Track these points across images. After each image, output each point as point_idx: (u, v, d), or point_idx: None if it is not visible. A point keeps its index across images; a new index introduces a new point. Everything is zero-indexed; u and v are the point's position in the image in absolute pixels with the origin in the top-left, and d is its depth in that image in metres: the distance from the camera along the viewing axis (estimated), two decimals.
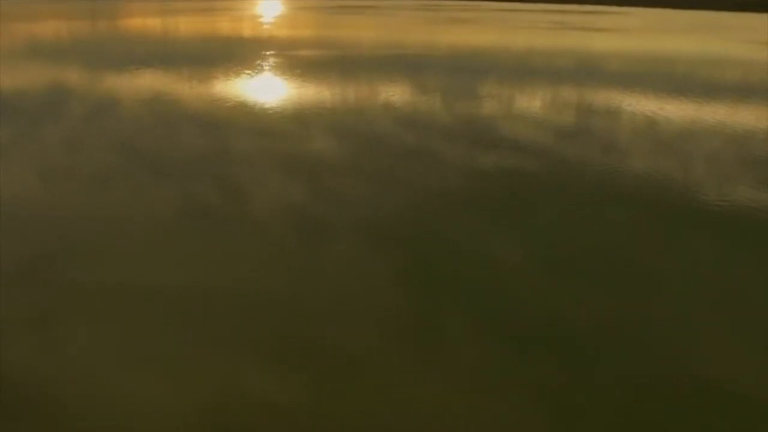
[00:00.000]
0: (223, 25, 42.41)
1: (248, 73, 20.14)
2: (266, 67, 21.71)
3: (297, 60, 24.02)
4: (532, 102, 16.70)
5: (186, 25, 42.37)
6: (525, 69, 23.65)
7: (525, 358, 5.08)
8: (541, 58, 27.44)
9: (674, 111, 15.79)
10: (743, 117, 15.43)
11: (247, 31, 39.62)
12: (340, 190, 9.03)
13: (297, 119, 13.73)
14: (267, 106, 15.31)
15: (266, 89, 17.85)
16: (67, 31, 37.27)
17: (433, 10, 70.70)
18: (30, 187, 8.91)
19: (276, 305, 5.77)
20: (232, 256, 6.78)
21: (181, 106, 14.87)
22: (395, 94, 17.00)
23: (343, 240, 7.28)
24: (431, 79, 20.00)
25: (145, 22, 45.32)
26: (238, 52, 25.83)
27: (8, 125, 12.56)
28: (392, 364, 4.94)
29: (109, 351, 5.02)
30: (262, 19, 52.26)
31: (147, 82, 18.07)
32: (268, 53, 25.69)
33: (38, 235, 7.22)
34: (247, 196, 8.67)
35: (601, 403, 4.58)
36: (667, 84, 20.24)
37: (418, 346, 5.19)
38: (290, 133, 12.39)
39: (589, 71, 23.55)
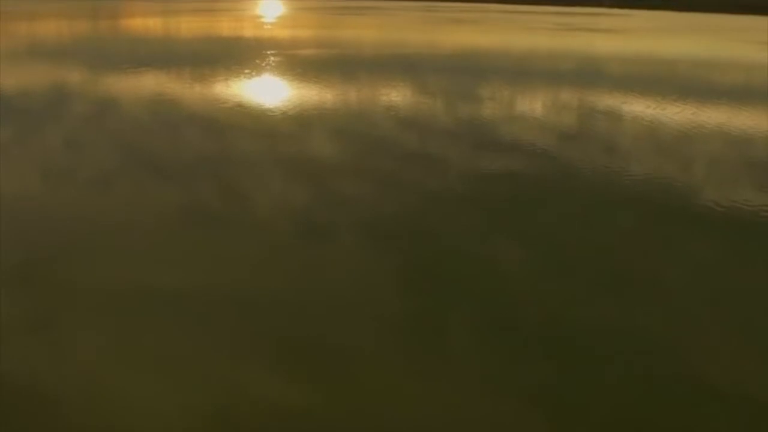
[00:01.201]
0: (225, 25, 42.44)
1: (250, 73, 20.12)
2: (268, 67, 21.70)
3: (298, 59, 24.00)
4: (534, 104, 16.66)
5: (188, 25, 42.38)
6: (528, 70, 23.63)
7: (526, 358, 5.06)
8: (544, 59, 27.41)
9: (678, 112, 15.72)
10: (749, 119, 15.37)
11: (248, 31, 39.64)
12: (342, 190, 8.98)
13: (299, 119, 13.71)
14: (269, 106, 15.29)
15: (268, 89, 17.85)
16: (69, 31, 37.30)
17: (436, 11, 70.74)
18: (29, 186, 8.87)
19: (279, 306, 5.74)
20: (235, 257, 6.75)
21: (182, 106, 14.84)
22: (398, 95, 16.96)
23: (345, 241, 7.25)
24: (434, 79, 19.97)
25: (147, 22, 45.35)
26: (240, 52, 25.82)
27: (8, 124, 12.53)
28: (394, 365, 4.91)
29: (109, 352, 4.99)
30: (263, 20, 52.29)
31: (148, 81, 18.05)
32: (269, 53, 25.66)
33: (38, 235, 7.18)
34: (249, 196, 8.64)
35: (602, 404, 4.54)
36: (671, 85, 20.18)
37: (420, 348, 5.16)
38: (293, 133, 12.37)
39: (592, 73, 23.53)
